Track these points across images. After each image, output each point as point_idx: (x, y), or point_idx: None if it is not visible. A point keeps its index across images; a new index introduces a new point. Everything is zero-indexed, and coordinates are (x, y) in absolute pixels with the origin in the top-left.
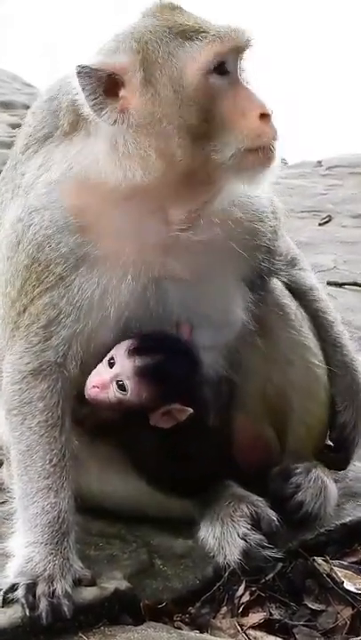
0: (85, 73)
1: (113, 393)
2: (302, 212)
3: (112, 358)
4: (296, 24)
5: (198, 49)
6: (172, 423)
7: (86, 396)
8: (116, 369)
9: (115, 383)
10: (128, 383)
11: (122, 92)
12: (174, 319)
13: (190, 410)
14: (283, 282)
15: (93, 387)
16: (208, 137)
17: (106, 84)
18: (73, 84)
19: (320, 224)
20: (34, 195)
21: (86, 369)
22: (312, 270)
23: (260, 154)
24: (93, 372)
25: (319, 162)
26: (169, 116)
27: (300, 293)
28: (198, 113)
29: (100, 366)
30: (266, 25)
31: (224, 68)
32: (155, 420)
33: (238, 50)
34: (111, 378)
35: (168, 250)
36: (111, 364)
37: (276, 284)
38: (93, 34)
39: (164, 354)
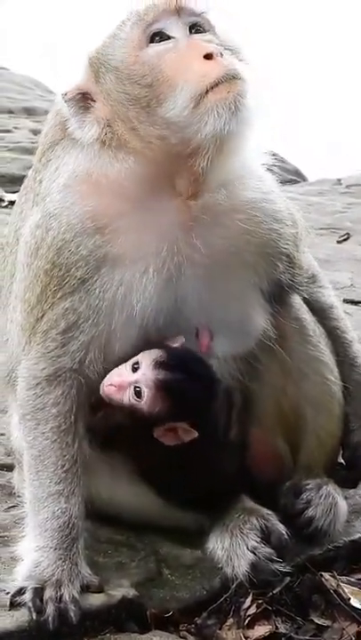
0: (66, 99)
1: (128, 397)
2: (321, 229)
3: (137, 363)
4: (319, 38)
5: (128, 30)
6: (176, 442)
7: (101, 392)
8: (137, 375)
9: (132, 387)
10: (146, 392)
11: (95, 104)
12: (194, 323)
13: (195, 433)
14: (302, 298)
15: (111, 385)
16: (159, 101)
17: (81, 102)
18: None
19: (338, 242)
20: (50, 200)
21: (102, 375)
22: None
23: (215, 92)
24: (114, 371)
25: (339, 180)
26: (120, 100)
27: (319, 310)
28: (139, 83)
29: (122, 367)
30: (289, 41)
31: (164, 34)
32: (158, 434)
33: (171, 14)
34: (130, 382)
35: (186, 235)
36: (134, 369)
37: (296, 299)
38: (93, 33)
39: (187, 374)
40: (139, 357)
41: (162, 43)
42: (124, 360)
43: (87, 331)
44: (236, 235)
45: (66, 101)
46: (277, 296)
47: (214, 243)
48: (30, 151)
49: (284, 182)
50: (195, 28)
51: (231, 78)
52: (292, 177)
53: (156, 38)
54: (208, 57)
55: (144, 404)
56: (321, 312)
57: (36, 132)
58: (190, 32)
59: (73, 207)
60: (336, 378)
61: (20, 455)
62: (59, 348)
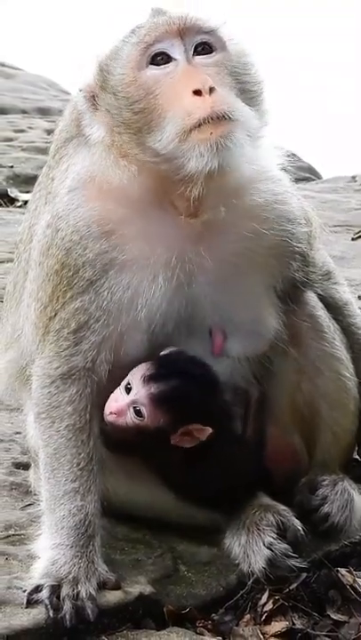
0: (80, 94)
1: (130, 419)
2: (335, 226)
3: (128, 384)
4: (335, 35)
5: (129, 50)
6: (195, 443)
7: (105, 421)
8: (132, 395)
9: (132, 409)
10: (144, 409)
11: (100, 108)
12: (206, 325)
13: (210, 429)
14: (317, 294)
15: (111, 413)
16: (149, 129)
17: (92, 102)
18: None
19: (353, 239)
20: (59, 201)
21: (116, 376)
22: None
23: (199, 131)
24: (111, 398)
25: (353, 177)
26: (116, 120)
27: (334, 307)
28: (132, 109)
29: (116, 392)
30: (304, 38)
31: (165, 57)
32: (175, 441)
33: (173, 36)
34: (128, 404)
35: (195, 245)
36: (128, 390)
37: (311, 296)
38: (93, 32)
39: (180, 378)
40: (129, 377)
41: (162, 66)
42: (138, 361)
43: (98, 331)
44: (246, 238)
45: (80, 95)
46: (292, 294)
47: (225, 248)
48: (44, 151)
49: (298, 180)
50: (201, 47)
51: (216, 119)
52: (306, 174)
53: (158, 59)
54: (197, 93)
55: (147, 420)
56: (336, 309)
57: (49, 132)
58: (195, 52)
59: (79, 210)
60: (351, 374)
61: (35, 454)
62: (71, 347)
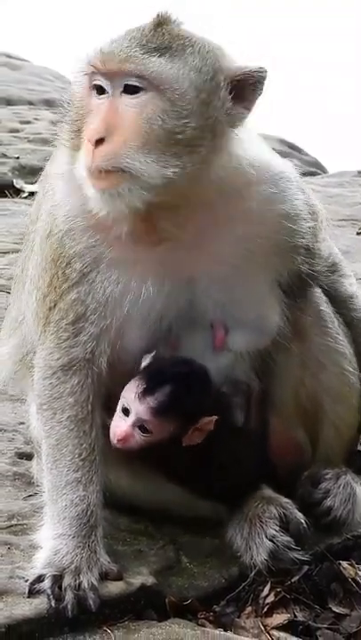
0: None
1: (138, 439)
2: (341, 220)
3: (124, 406)
4: (342, 29)
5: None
6: (204, 436)
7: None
8: (132, 416)
9: (137, 429)
10: (149, 425)
11: None
12: (208, 320)
13: (215, 417)
14: (322, 287)
15: (118, 440)
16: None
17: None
18: None
19: (358, 233)
20: (57, 188)
21: (119, 369)
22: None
23: (90, 176)
24: (112, 425)
25: (359, 171)
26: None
27: (339, 301)
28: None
29: (116, 418)
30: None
31: (101, 88)
32: (187, 442)
33: (103, 73)
34: (131, 426)
35: (186, 251)
36: (126, 412)
37: (315, 291)
38: (99, 23)
39: (172, 382)
40: (122, 400)
41: (100, 96)
42: (140, 354)
43: (96, 322)
44: (244, 241)
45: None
46: (297, 288)
47: (222, 251)
48: (50, 142)
49: (303, 174)
50: (130, 86)
51: (97, 172)
52: (311, 169)
53: (97, 88)
54: (90, 141)
55: (155, 434)
56: (341, 302)
57: (55, 124)
58: (125, 89)
59: (70, 199)
60: (355, 369)
61: (38, 444)
62: (70, 338)
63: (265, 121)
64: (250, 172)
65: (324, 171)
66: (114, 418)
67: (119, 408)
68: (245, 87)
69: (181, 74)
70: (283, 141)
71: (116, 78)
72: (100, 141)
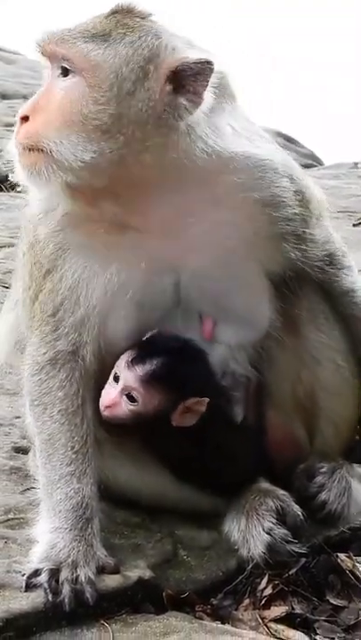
0: None
1: (125, 407)
2: (337, 212)
3: (116, 374)
4: (338, 22)
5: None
6: (195, 419)
7: (103, 418)
8: (121, 383)
9: (124, 397)
10: (136, 393)
11: None
12: (195, 310)
13: (207, 399)
14: (319, 282)
15: (106, 407)
16: None
17: None
18: None
19: (354, 225)
20: None
21: (107, 361)
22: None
23: (15, 154)
24: (103, 393)
25: (356, 163)
26: None
27: (335, 296)
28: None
29: (107, 386)
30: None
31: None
32: (177, 421)
33: (43, 55)
34: (119, 393)
35: (158, 238)
36: (116, 379)
37: (309, 287)
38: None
39: (165, 355)
40: (115, 368)
41: (60, 78)
42: (128, 344)
43: (72, 311)
44: (222, 228)
45: None
46: (291, 280)
47: (198, 240)
48: None
49: (300, 166)
50: (62, 69)
51: (22, 149)
52: (307, 161)
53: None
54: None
55: (142, 404)
56: (336, 297)
57: None
58: (61, 73)
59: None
60: (351, 364)
61: (33, 440)
62: (52, 331)
63: (266, 118)
64: (214, 161)
65: (319, 163)
66: (105, 387)
67: (111, 376)
68: (185, 79)
69: (106, 61)
70: (279, 134)
71: (54, 60)
72: (25, 119)
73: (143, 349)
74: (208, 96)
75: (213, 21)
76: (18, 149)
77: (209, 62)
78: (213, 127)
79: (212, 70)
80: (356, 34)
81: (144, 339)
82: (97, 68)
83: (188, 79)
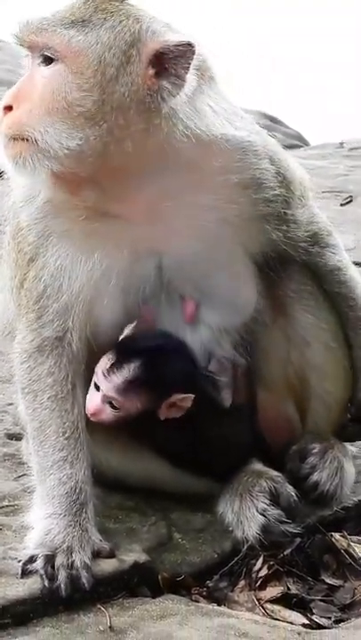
0: None
1: (110, 414)
2: (324, 192)
3: (94, 381)
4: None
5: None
6: (182, 412)
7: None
8: (101, 392)
9: (106, 405)
10: (117, 401)
11: None
12: (177, 294)
13: (192, 395)
14: (305, 261)
15: (91, 414)
16: None
17: None
18: None
19: (342, 204)
20: None
21: (97, 343)
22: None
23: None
24: (87, 398)
25: (341, 143)
26: None
27: (322, 275)
28: None
29: (90, 391)
30: (292, 7)
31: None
32: (163, 415)
33: (22, 44)
34: (101, 401)
35: (144, 225)
36: (97, 387)
37: (296, 266)
38: None
39: (141, 358)
40: (94, 376)
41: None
42: (116, 327)
43: (56, 298)
44: (200, 213)
45: None
46: (275, 264)
47: (180, 224)
48: None
49: (285, 147)
50: (44, 57)
51: (7, 139)
52: (294, 141)
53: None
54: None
55: (124, 410)
56: (323, 276)
57: None
58: (42, 61)
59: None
60: (340, 343)
61: (25, 428)
62: (37, 318)
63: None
64: (195, 145)
65: (306, 143)
66: (89, 391)
67: (92, 382)
68: (167, 62)
69: (89, 47)
70: (264, 114)
71: (34, 49)
72: (8, 109)
73: (118, 355)
74: (190, 78)
75: (213, 21)
76: (2, 140)
77: (190, 44)
78: (193, 109)
79: (193, 52)
80: (356, 34)
81: (118, 342)
82: (80, 54)
83: (171, 62)
